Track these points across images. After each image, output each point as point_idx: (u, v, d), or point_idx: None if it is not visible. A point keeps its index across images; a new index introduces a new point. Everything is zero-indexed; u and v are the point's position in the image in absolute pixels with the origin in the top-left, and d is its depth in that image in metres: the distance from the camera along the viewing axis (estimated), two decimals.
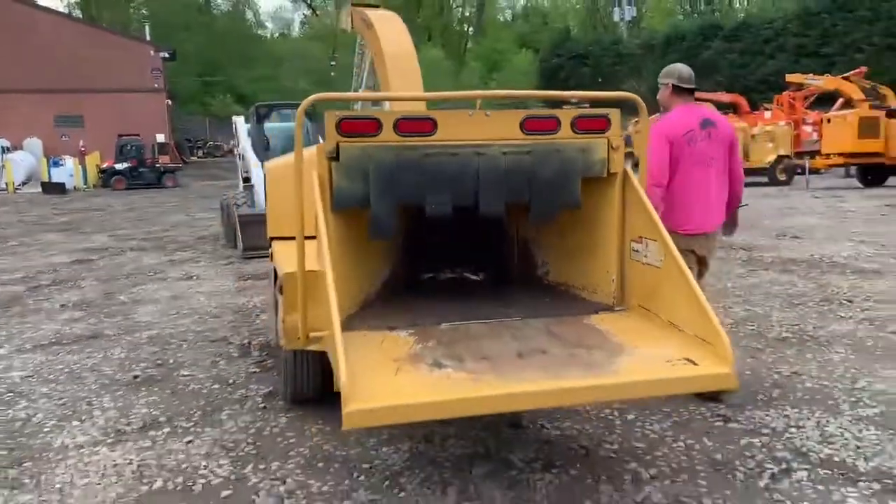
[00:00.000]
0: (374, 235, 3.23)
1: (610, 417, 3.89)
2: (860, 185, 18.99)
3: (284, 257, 4.11)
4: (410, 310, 3.51)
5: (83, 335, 6.00)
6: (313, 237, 4.34)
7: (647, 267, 3.25)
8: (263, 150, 11.19)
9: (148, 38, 43.27)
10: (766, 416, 3.83)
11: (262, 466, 3.44)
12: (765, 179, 21.36)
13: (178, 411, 4.16)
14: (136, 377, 4.82)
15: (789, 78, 25.53)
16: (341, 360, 2.46)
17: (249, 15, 79.70)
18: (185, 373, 4.87)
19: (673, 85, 4.26)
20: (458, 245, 4.27)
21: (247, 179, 11.84)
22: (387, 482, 3.24)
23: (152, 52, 39.09)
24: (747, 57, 44.63)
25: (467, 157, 3.22)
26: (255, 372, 4.83)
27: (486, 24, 72.38)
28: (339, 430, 3.77)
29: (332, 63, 67.83)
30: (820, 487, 3.07)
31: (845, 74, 26.24)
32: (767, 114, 26.12)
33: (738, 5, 69.48)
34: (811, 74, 26.11)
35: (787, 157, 21.45)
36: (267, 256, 6.55)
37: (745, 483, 3.14)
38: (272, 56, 71.88)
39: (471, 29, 74.90)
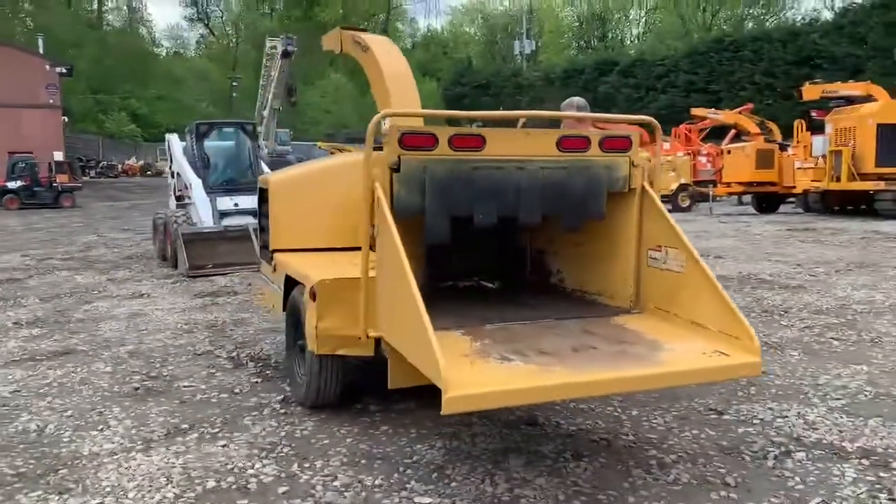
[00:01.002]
0: (432, 240, 3.45)
1: (615, 414, 4.24)
2: (756, 211, 20.51)
3: (307, 267, 4.27)
4: (449, 313, 3.75)
5: (56, 351, 5.86)
6: (328, 249, 4.52)
7: (667, 273, 3.62)
8: (203, 168, 11.10)
9: (41, 51, 41.38)
10: (752, 408, 4.27)
11: (306, 465, 3.57)
12: (668, 206, 22.66)
13: (197, 419, 4.21)
14: (136, 389, 4.80)
15: (694, 111, 27.21)
16: (438, 351, 2.68)
17: (144, 32, 77.45)
18: (186, 384, 4.89)
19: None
20: (475, 254, 4.54)
21: (180, 198, 11.67)
22: (434, 474, 3.45)
23: (48, 67, 37.41)
24: (641, 91, 47.21)
25: (511, 172, 3.52)
26: (257, 382, 4.91)
27: None
28: (368, 431, 3.95)
29: (234, 84, 66.85)
30: (819, 465, 3.51)
31: (736, 110, 28.19)
32: (666, 145, 27.71)
33: (629, 42, 73.35)
34: (713, 109, 27.91)
35: (688, 185, 22.88)
36: (211, 275, 6.50)
37: (756, 464, 3.54)
38: (169, 75, 70.04)
39: None
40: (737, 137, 26.46)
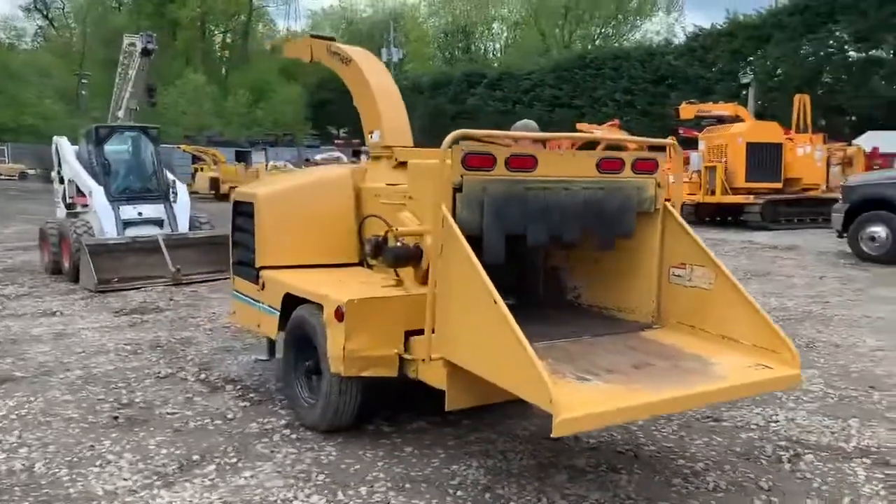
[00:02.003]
0: (489, 259, 3.44)
1: (624, 426, 4.38)
2: None
3: (318, 286, 4.14)
4: None
5: None
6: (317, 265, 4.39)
7: (692, 289, 3.82)
8: (104, 174, 10.36)
9: None
10: (742, 415, 4.55)
11: (351, 492, 3.46)
12: None
13: (204, 449, 3.96)
14: (115, 418, 4.44)
15: (579, 126, 28.33)
16: (545, 374, 2.70)
17: None
18: (168, 411, 4.57)
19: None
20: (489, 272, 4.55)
21: (71, 206, 10.84)
22: (487, 494, 3.45)
23: None
24: (508, 104, 48.56)
25: (557, 192, 3.59)
26: (246, 406, 4.67)
27: (250, 54, 71.09)
28: (394, 454, 3.88)
29: (84, 81, 62.47)
30: (830, 465, 3.81)
31: (604, 125, 29.63)
32: None
33: (491, 56, 75.35)
34: (596, 124, 29.24)
35: None
36: (120, 290, 6.07)
37: (774, 467, 3.80)
38: (4, 69, 64.47)
39: (226, 55, 73.01)
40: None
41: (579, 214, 3.67)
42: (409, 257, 4.07)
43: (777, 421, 4.44)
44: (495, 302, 2.95)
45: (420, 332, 3.83)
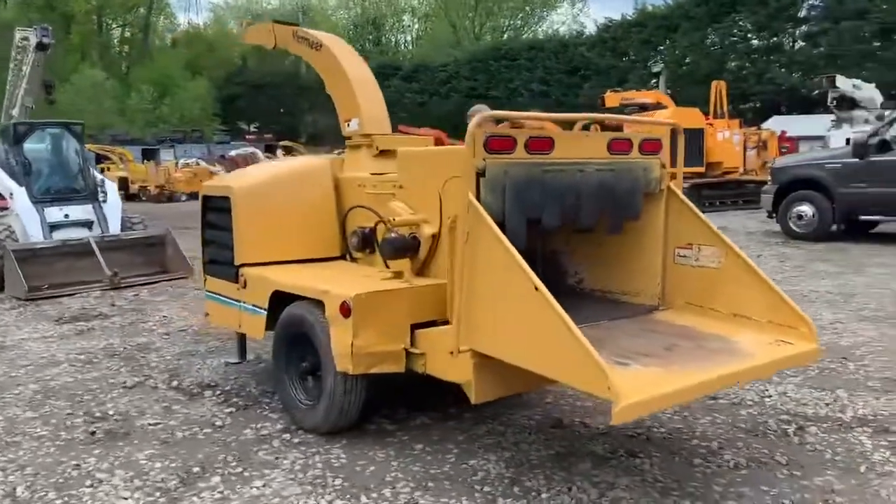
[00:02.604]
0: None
1: None
2: None
3: (315, 281, 3.95)
4: None
5: None
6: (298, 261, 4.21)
7: (699, 269, 3.82)
8: (25, 175, 9.68)
9: None
10: (735, 391, 4.60)
11: (374, 495, 3.30)
12: None
13: (201, 460, 3.70)
14: (92, 433, 4.10)
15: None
16: (602, 362, 2.62)
17: None
18: (149, 422, 4.27)
19: None
20: None
21: None
22: (516, 488, 3.35)
23: None
24: (425, 96, 48.56)
25: (573, 174, 3.51)
26: (232, 412, 4.41)
27: (152, 48, 68.36)
28: (406, 452, 3.74)
29: None
30: (836, 436, 3.90)
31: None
32: None
33: (403, 48, 75.01)
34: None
35: None
36: (51, 297, 5.66)
37: (784, 441, 3.85)
38: None
39: (126, 50, 70.11)
40: None
41: (593, 196, 3.61)
42: (407, 248, 3.93)
43: (770, 396, 4.52)
44: (537, 289, 2.84)
45: (425, 325, 3.72)
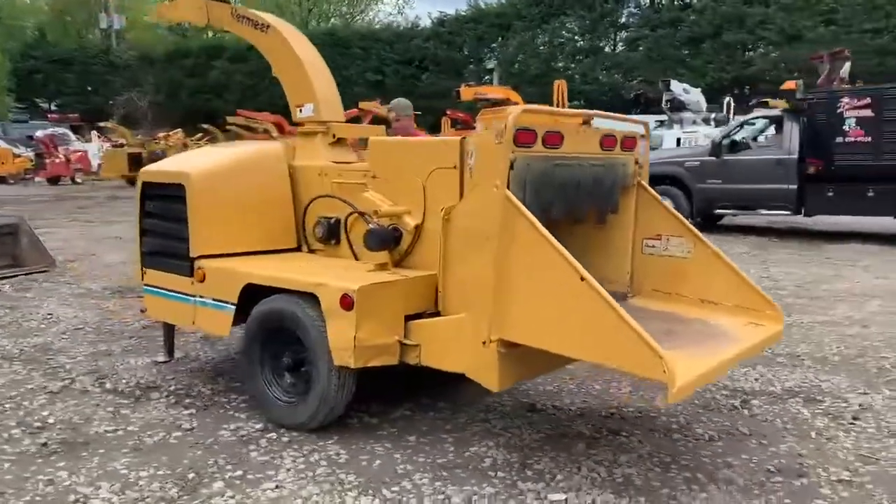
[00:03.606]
0: None
1: (585, 390, 4.60)
2: None
3: (301, 273, 3.85)
4: None
5: None
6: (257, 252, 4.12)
7: (667, 259, 4.12)
8: None
9: None
10: None
11: (396, 489, 3.27)
12: None
13: (190, 466, 3.46)
14: (44, 445, 3.70)
15: (362, 104, 27.95)
16: (656, 345, 2.79)
17: None
18: (105, 428, 3.91)
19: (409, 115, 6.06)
20: None
21: None
22: (529, 472, 3.45)
23: None
24: (256, 79, 46.81)
25: (574, 169, 3.66)
26: (194, 413, 4.14)
27: None
28: (402, 444, 3.75)
29: None
30: (777, 407, 4.36)
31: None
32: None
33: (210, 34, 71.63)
34: (375, 103, 29.10)
35: None
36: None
37: (738, 413, 4.26)
38: None
39: None
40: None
41: (588, 190, 3.78)
42: (391, 240, 3.92)
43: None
44: (583, 279, 2.96)
45: (418, 316, 3.73)
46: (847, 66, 13.01)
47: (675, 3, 32.80)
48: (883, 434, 3.95)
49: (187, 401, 4.33)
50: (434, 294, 3.82)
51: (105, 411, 4.18)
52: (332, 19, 62.53)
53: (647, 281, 4.19)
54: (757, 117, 12.76)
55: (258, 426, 3.93)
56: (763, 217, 12.89)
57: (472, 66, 37.14)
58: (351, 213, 4.20)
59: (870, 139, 10.26)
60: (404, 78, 39.39)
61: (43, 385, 4.61)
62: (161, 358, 5.07)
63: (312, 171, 4.49)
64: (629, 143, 4.05)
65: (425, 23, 41.50)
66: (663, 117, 19.20)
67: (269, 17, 4.92)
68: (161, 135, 37.76)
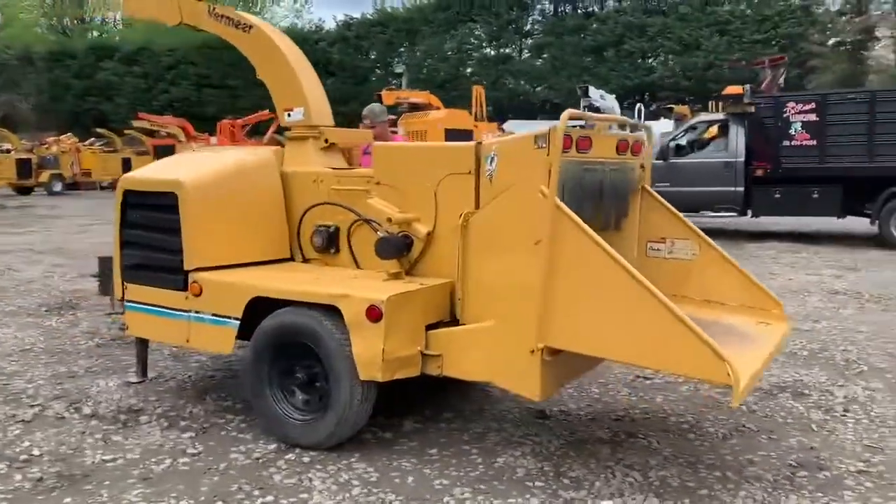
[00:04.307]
0: None
1: (586, 394, 4.62)
2: None
3: (317, 285, 3.70)
4: None
5: None
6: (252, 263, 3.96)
7: (672, 261, 4.19)
8: None
9: None
10: (651, 372, 5.08)
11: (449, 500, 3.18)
12: None
13: (215, 494, 3.24)
14: (40, 479, 3.37)
15: (142, 116, 27.32)
16: (721, 350, 2.83)
17: None
18: (102, 458, 3.60)
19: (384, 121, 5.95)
20: None
21: None
22: (565, 479, 3.42)
23: None
24: (150, 81, 45.00)
25: (597, 173, 3.66)
26: (193, 436, 3.88)
27: None
28: (425, 459, 3.65)
29: None
30: (769, 403, 4.51)
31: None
32: (213, 140, 27.35)
33: (113, 27, 68.48)
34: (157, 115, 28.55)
35: None
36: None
37: (738, 410, 4.36)
38: None
39: None
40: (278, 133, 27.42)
41: (609, 195, 3.80)
42: (404, 248, 3.83)
43: None
44: (643, 286, 2.95)
45: (437, 325, 3.66)
46: (782, 71, 13.67)
47: (579, 11, 33.77)
48: (877, 424, 4.15)
49: (182, 423, 4.06)
50: (449, 303, 3.75)
51: (93, 439, 3.86)
52: None
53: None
54: (702, 121, 13.26)
55: (271, 447, 3.73)
56: (707, 218, 13.38)
57: (380, 70, 37.03)
58: (356, 221, 4.06)
59: (815, 143, 10.86)
60: None
61: (10, 413, 4.22)
62: (134, 378, 4.76)
63: (306, 178, 4.31)
64: (637, 147, 4.09)
65: (330, 26, 41.10)
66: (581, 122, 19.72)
67: (251, 18, 4.69)
68: (50, 139, 35.71)
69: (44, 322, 6.46)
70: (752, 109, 11.58)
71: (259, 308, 3.79)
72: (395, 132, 12.33)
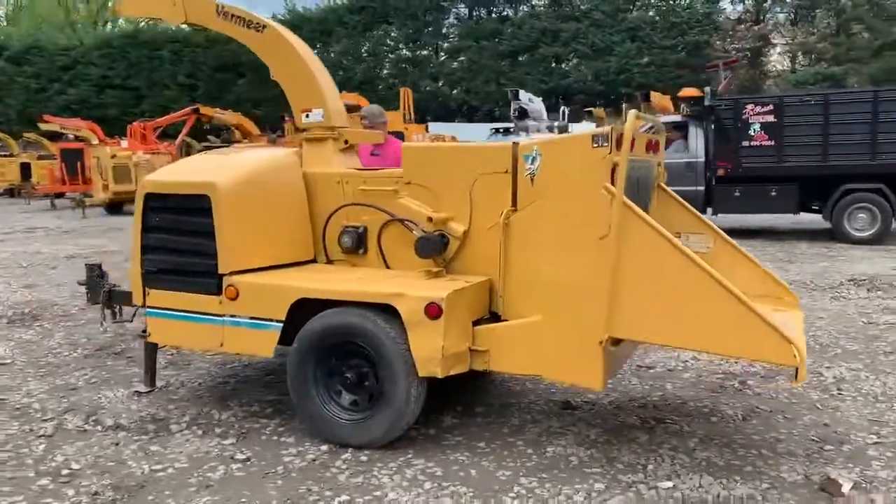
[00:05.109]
0: None
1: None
2: None
3: (363, 283, 3.72)
4: None
5: None
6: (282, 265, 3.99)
7: None
8: None
9: None
10: (653, 360, 5.33)
11: (513, 494, 3.26)
12: None
13: (286, 499, 3.21)
14: (95, 494, 3.25)
15: (203, 110, 26.16)
16: (787, 333, 3.04)
17: None
18: (153, 467, 3.50)
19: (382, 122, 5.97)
20: None
21: None
22: (619, 465, 3.58)
23: None
24: (43, 82, 42.69)
25: (637, 171, 3.83)
26: (234, 442, 3.82)
27: None
28: (478, 452, 3.73)
29: None
30: (768, 386, 4.81)
31: (187, 109, 28.00)
32: (124, 142, 26.25)
33: None
34: (219, 109, 27.41)
35: None
36: None
37: (744, 394, 4.64)
38: None
39: None
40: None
41: (641, 191, 3.98)
42: (443, 247, 3.91)
43: (685, 361, 5.33)
44: (710, 274, 3.13)
45: (479, 322, 3.74)
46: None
47: (494, 16, 34.29)
48: (871, 401, 4.50)
49: (217, 430, 3.98)
50: (488, 300, 3.85)
51: (129, 450, 3.74)
52: (120, 20, 58.30)
53: None
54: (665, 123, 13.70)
55: (322, 448, 3.71)
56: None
57: None
58: (388, 221, 4.09)
59: (773, 143, 11.48)
60: (221, 83, 37.82)
61: (26, 429, 4.02)
62: (143, 388, 4.62)
63: (330, 179, 4.30)
64: (656, 146, 4.30)
65: None
66: (509, 125, 20.08)
67: (264, 20, 4.62)
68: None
69: (13, 335, 6.12)
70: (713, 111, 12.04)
71: (297, 311, 3.77)
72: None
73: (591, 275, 3.35)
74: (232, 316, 3.91)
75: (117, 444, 3.80)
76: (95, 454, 3.68)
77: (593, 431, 3.98)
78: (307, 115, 4.53)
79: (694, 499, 3.21)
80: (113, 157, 21.89)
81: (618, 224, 3.27)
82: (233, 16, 4.64)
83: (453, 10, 34.85)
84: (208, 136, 30.79)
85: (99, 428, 4.03)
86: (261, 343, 3.86)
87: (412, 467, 3.51)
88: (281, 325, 3.78)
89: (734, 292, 3.10)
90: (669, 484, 3.35)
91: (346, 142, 4.56)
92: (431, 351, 3.48)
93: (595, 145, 3.40)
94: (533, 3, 33.94)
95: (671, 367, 5.18)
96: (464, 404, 4.37)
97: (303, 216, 4.28)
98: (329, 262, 4.33)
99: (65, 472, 3.47)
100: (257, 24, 4.59)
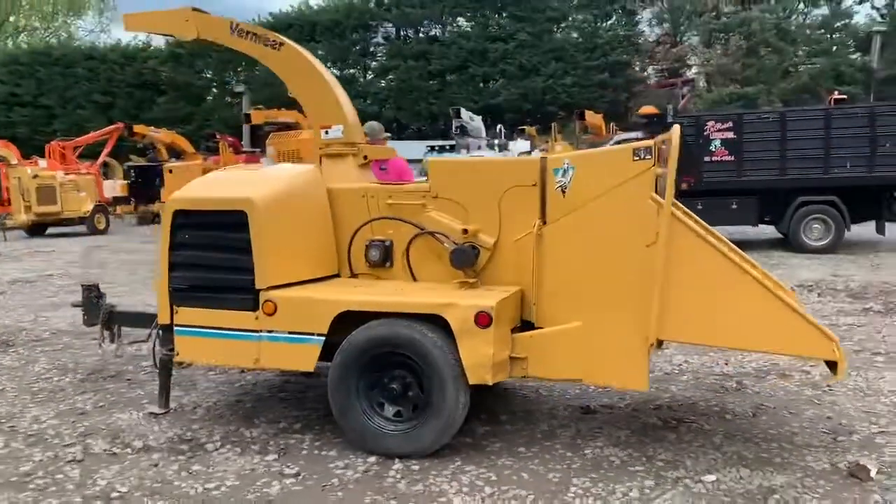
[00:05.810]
0: None
1: (614, 392, 4.99)
2: None
3: (405, 295, 3.81)
4: None
5: None
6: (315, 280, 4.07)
7: None
8: None
9: None
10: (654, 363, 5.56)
11: (571, 495, 3.39)
12: (83, 228, 21.15)
13: None
14: None
15: (136, 128, 25.18)
16: (828, 331, 3.29)
17: None
18: (205, 486, 3.45)
19: (382, 139, 5.98)
20: None
21: None
22: (658, 462, 3.75)
23: None
24: None
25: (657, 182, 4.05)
26: (276, 458, 3.80)
27: None
28: (522, 457, 3.84)
29: None
30: (763, 384, 5.10)
31: (108, 129, 27.01)
32: (42, 162, 25.15)
33: None
34: (153, 127, 26.43)
35: (101, 204, 21.74)
36: None
37: (744, 393, 4.91)
38: None
39: None
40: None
41: None
42: (475, 258, 4.02)
43: (682, 363, 5.59)
44: (753, 278, 3.36)
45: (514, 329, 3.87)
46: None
47: (422, 36, 34.64)
48: (860, 394, 4.84)
49: (254, 447, 3.95)
50: (520, 309, 3.98)
51: (171, 470, 3.67)
52: (22, 35, 55.80)
53: None
54: (622, 139, 14.13)
55: (370, 459, 3.74)
56: None
57: (216, 89, 35.76)
58: (417, 234, 4.17)
59: (733, 158, 12.00)
60: (140, 101, 36.71)
61: (50, 454, 3.89)
62: (157, 409, 4.52)
63: (354, 194, 4.35)
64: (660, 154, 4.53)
65: (157, 43, 38.97)
66: (445, 142, 20.35)
67: (279, 37, 4.64)
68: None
69: None
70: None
71: (348, 324, 3.80)
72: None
73: (638, 281, 3.52)
74: (269, 331, 3.90)
75: (156, 466, 3.72)
76: (138, 476, 3.59)
77: (622, 433, 4.14)
78: (326, 132, 4.57)
79: (739, 490, 3.41)
80: (35, 177, 20.94)
81: (665, 232, 3.45)
82: (248, 33, 4.65)
83: (381, 29, 35.00)
84: (130, 155, 29.82)
85: (129, 450, 3.93)
86: (301, 357, 3.86)
87: (466, 473, 3.58)
88: (323, 338, 3.80)
89: (778, 294, 3.33)
90: (713, 477, 3.53)
91: (364, 157, 4.62)
92: (482, 358, 3.57)
93: (636, 158, 3.59)
94: (460, 23, 34.43)
95: (668, 370, 5.42)
96: (488, 413, 4.47)
97: (327, 231, 4.31)
98: (353, 275, 4.36)
99: (114, 495, 3.39)
100: (274, 41, 4.61)
